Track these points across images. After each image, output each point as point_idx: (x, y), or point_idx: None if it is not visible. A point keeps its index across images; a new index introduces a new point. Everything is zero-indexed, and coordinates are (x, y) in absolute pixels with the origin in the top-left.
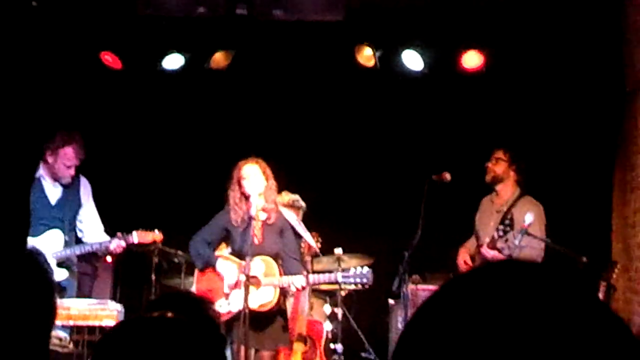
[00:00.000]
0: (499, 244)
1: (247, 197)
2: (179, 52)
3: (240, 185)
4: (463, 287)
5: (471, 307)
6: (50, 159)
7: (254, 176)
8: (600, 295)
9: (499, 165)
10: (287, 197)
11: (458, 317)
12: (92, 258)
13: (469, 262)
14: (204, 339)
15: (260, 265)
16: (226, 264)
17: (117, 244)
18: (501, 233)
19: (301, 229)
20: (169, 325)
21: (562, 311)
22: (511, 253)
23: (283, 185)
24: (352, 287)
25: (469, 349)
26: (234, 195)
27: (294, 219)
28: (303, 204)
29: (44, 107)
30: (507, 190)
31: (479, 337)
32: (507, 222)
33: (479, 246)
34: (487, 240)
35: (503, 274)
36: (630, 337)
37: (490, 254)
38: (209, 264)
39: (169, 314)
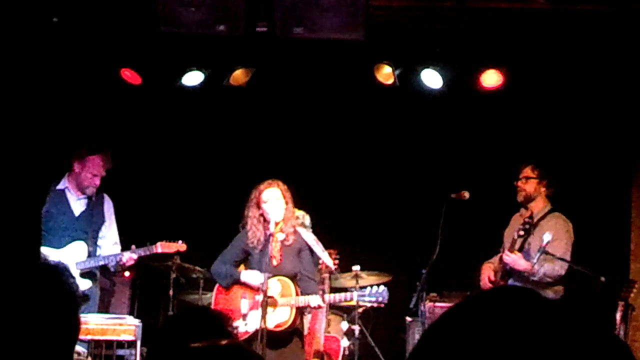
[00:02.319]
0: (517, 245)
1: (265, 219)
2: (198, 69)
3: (259, 208)
4: (472, 310)
5: (479, 330)
6: (77, 168)
7: (274, 200)
8: (619, 315)
9: (529, 184)
10: None
11: (466, 338)
12: (109, 273)
13: (492, 277)
14: None
15: (277, 285)
16: (250, 272)
17: (128, 257)
18: (521, 232)
19: (319, 248)
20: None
21: (564, 344)
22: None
23: (299, 202)
24: (368, 305)
25: None
26: (252, 216)
27: (312, 238)
28: (308, 221)
29: (57, 120)
30: (538, 206)
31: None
32: (527, 224)
33: (501, 257)
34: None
35: (513, 301)
36: None
37: (510, 258)
38: (234, 280)
39: (222, 342)
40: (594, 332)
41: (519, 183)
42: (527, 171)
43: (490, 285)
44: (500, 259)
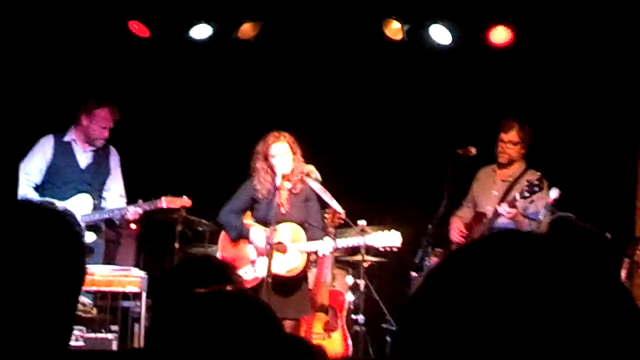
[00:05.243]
0: (520, 204)
1: (273, 170)
2: (206, 22)
3: (267, 160)
4: (469, 258)
5: (477, 279)
6: (85, 121)
7: (282, 155)
8: (624, 272)
9: (514, 149)
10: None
11: (463, 288)
12: (115, 225)
13: (464, 230)
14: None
15: (287, 231)
16: (258, 231)
17: (133, 211)
18: (526, 194)
19: (327, 196)
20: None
21: (570, 285)
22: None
23: (307, 156)
24: (381, 249)
25: (473, 322)
26: (260, 167)
27: (319, 187)
28: (318, 176)
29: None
30: (518, 166)
31: (484, 311)
32: (535, 186)
33: (479, 214)
34: (502, 202)
35: (511, 244)
36: (636, 311)
37: (511, 212)
38: (241, 235)
39: (227, 288)
40: (594, 271)
41: (505, 146)
42: (513, 136)
43: (462, 238)
44: (478, 215)
